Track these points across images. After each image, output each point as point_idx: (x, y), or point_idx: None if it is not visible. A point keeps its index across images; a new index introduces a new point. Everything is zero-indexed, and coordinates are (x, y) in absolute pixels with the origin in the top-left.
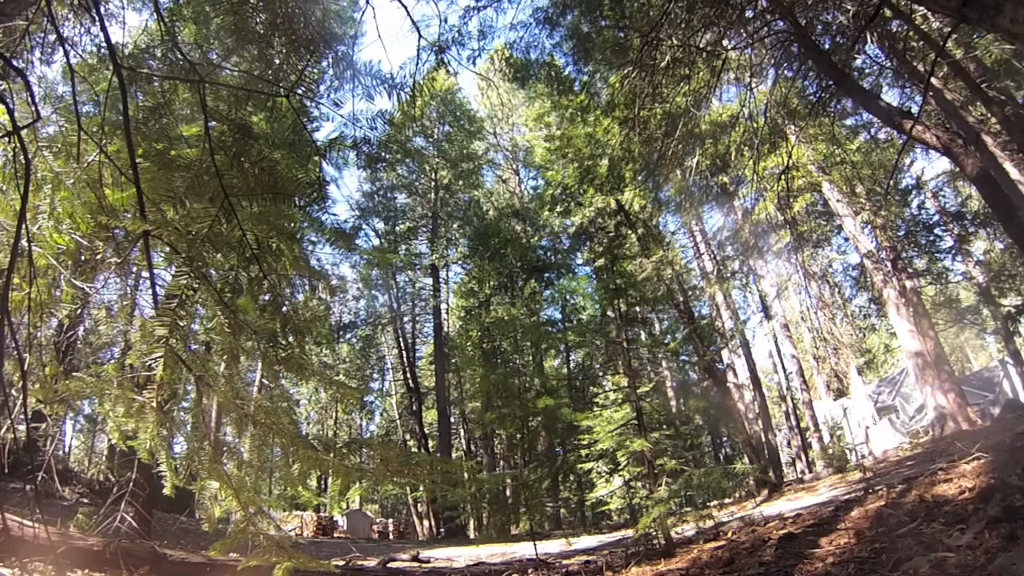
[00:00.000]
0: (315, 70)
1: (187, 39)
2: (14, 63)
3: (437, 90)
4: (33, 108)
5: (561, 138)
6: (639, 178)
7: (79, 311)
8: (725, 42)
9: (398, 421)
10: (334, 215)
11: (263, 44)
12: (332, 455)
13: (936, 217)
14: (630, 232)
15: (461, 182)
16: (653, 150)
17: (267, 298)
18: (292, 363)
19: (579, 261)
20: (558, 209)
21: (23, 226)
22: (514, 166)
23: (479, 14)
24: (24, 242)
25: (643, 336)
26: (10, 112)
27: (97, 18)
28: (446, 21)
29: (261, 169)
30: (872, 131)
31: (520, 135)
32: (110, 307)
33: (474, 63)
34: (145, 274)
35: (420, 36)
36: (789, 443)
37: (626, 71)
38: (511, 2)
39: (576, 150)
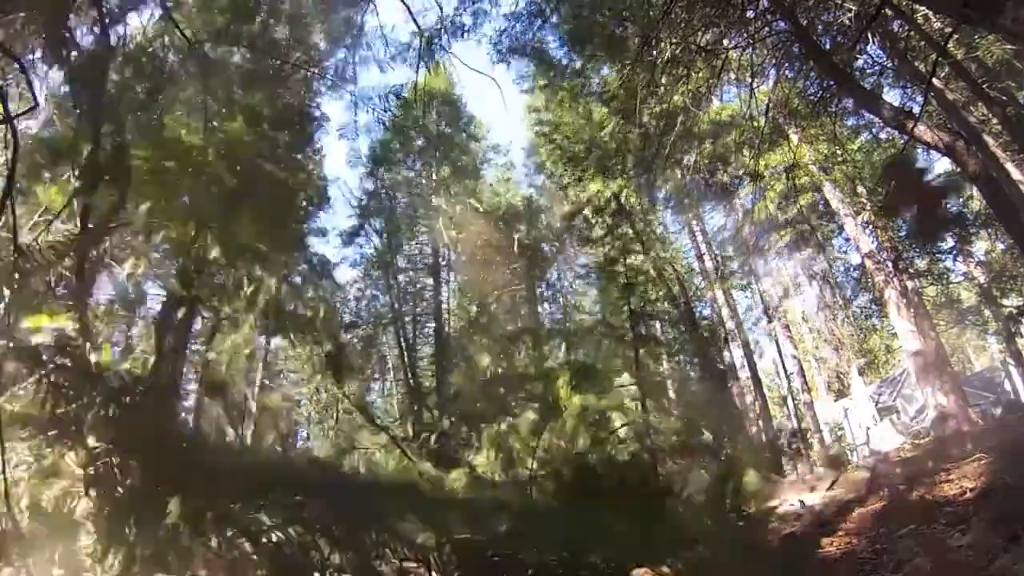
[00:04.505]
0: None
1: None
2: (12, 54)
3: (436, 88)
4: (32, 96)
5: (550, 123)
6: (631, 172)
7: None
8: (726, 42)
9: (398, 421)
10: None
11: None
12: None
13: None
14: (628, 228)
15: (462, 183)
16: (650, 145)
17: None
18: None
19: (581, 261)
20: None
21: (9, 209)
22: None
23: (474, 5)
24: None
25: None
26: (3, 99)
27: (98, 17)
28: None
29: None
30: (873, 131)
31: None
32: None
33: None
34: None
35: (420, 36)
36: (790, 443)
37: (624, 66)
38: None
39: (564, 136)
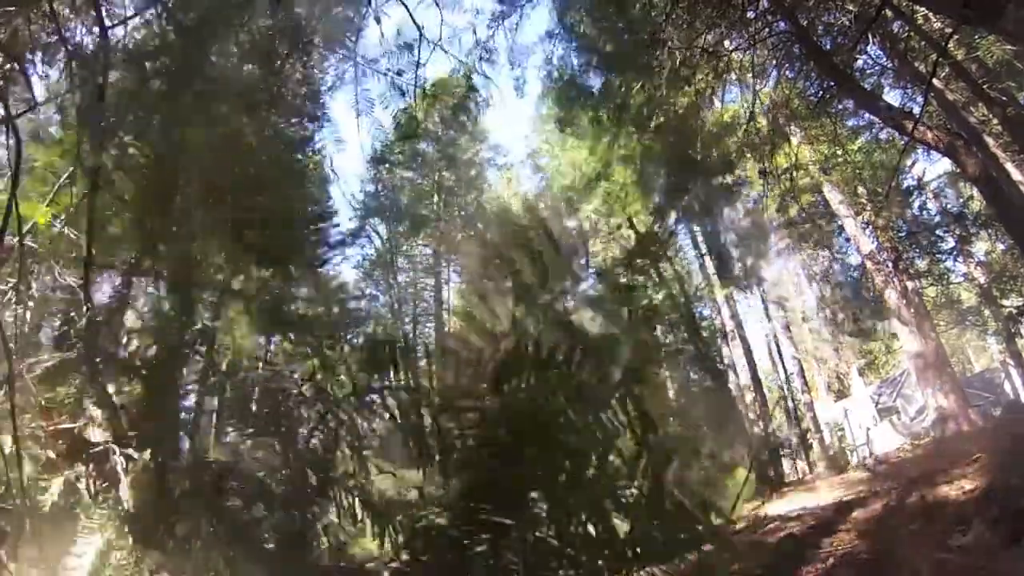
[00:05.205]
0: None
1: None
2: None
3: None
4: (30, 96)
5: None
6: (653, 184)
7: None
8: (727, 43)
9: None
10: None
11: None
12: None
13: (937, 218)
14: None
15: (466, 187)
16: (663, 156)
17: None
18: None
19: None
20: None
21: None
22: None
23: (504, 21)
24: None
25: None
26: (4, 100)
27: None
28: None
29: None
30: (874, 131)
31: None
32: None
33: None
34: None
35: (420, 37)
36: (790, 444)
37: (633, 75)
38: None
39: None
